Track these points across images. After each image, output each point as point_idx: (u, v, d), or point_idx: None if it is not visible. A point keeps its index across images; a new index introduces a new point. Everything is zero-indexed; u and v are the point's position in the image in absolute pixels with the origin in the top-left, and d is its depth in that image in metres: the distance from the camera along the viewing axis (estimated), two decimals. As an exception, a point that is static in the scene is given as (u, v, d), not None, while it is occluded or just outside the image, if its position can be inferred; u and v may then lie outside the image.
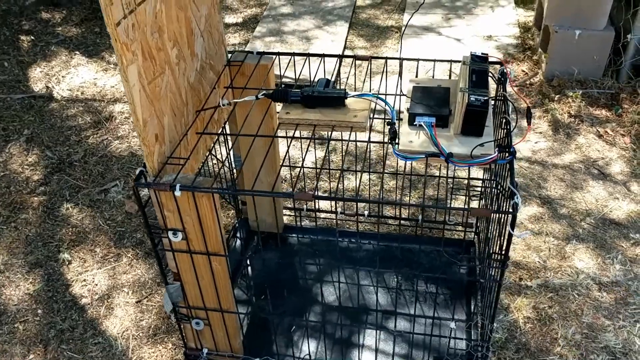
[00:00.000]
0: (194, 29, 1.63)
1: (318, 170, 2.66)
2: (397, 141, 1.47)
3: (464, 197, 2.40)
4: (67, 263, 2.34)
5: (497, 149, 1.42)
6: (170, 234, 1.53)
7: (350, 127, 1.57)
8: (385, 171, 2.69)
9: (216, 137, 1.77)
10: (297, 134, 1.64)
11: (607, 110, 3.01)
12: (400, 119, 1.56)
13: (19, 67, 3.58)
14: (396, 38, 3.76)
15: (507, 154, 1.43)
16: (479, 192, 2.10)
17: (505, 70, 1.71)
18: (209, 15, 1.73)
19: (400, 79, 1.73)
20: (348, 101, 1.61)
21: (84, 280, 2.27)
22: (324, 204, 2.55)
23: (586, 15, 3.05)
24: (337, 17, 3.97)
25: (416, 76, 1.84)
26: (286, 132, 1.65)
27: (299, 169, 2.65)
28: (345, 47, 3.66)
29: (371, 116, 1.62)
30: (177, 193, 1.41)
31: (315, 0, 4.20)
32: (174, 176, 1.44)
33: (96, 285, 2.25)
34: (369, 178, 2.60)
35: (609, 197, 2.54)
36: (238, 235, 2.32)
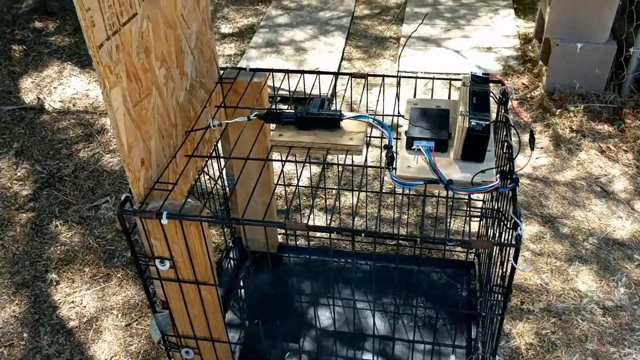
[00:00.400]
0: (183, 47, 1.56)
1: (313, 192, 2.59)
2: (394, 166, 1.41)
3: (464, 216, 2.33)
4: (54, 283, 2.26)
5: (498, 175, 1.36)
6: (157, 262, 1.46)
7: (345, 150, 1.51)
8: (384, 191, 2.63)
9: (209, 156, 1.70)
10: (291, 156, 1.58)
11: (609, 125, 2.95)
12: (397, 138, 1.50)
13: (10, 77, 3.52)
14: (394, 49, 3.70)
15: (509, 181, 1.37)
16: (480, 213, 2.04)
17: (506, 90, 1.65)
18: (199, 32, 1.67)
19: (398, 100, 1.66)
20: (344, 123, 1.54)
21: (72, 301, 2.20)
22: (319, 221, 2.48)
23: (588, 28, 2.99)
24: (335, 27, 3.91)
25: (414, 93, 1.78)
26: (280, 155, 1.59)
27: (294, 187, 2.59)
28: (342, 58, 3.60)
29: (368, 138, 1.56)
30: (164, 221, 1.34)
31: (312, 11, 4.14)
32: (161, 202, 1.38)
33: (84, 307, 2.18)
34: (366, 195, 2.53)
35: (612, 215, 2.47)
36: (231, 255, 2.25)
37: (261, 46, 3.73)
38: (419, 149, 1.43)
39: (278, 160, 1.56)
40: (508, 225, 1.31)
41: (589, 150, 2.82)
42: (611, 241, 2.36)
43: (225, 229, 2.36)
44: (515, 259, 1.26)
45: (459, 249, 2.22)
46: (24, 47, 3.82)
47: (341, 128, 1.54)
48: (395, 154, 1.43)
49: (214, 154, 1.82)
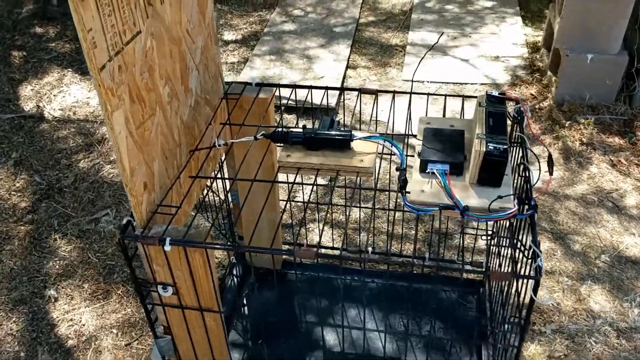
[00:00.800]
0: (188, 63, 1.51)
1: (319, 207, 2.53)
2: (407, 190, 1.35)
3: (474, 234, 2.27)
4: (53, 300, 2.21)
5: (516, 201, 1.30)
6: (159, 288, 1.41)
7: (356, 172, 1.45)
8: (391, 208, 2.57)
9: (212, 180, 1.64)
10: (299, 176, 1.52)
11: (620, 138, 2.89)
12: (410, 155, 1.44)
13: (10, 84, 3.46)
14: (401, 57, 3.64)
15: (527, 208, 1.31)
16: (492, 232, 1.98)
17: (522, 109, 1.59)
18: (205, 47, 1.61)
19: (410, 121, 1.60)
20: (354, 143, 1.48)
21: (71, 319, 2.14)
22: (325, 236, 2.42)
23: (599, 38, 2.94)
24: (340, 35, 3.85)
25: (426, 108, 1.71)
26: (287, 176, 1.53)
27: (300, 202, 2.53)
28: (348, 67, 3.55)
29: (378, 157, 1.50)
30: (167, 248, 1.28)
31: (317, 18, 4.09)
32: (163, 227, 1.32)
33: (83, 325, 2.12)
34: (373, 210, 2.47)
35: (624, 232, 2.41)
36: (235, 272, 2.19)
37: (265, 54, 3.68)
38: (433, 172, 1.37)
39: (285, 182, 1.50)
40: (526, 255, 1.25)
41: (599, 163, 2.77)
42: (624, 259, 2.30)
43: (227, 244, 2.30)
44: (535, 291, 1.20)
45: (469, 267, 2.16)
46: (24, 53, 3.76)
47: (351, 149, 1.48)
48: (407, 177, 1.37)
49: (219, 172, 1.76)
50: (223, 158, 1.77)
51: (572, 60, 2.98)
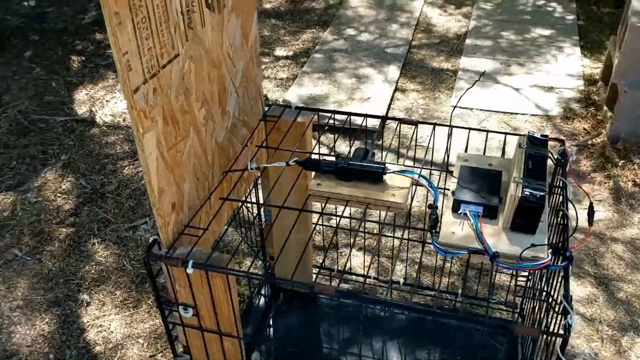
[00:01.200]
0: (227, 86, 1.51)
1: (352, 234, 2.50)
2: (437, 230, 1.31)
3: (510, 274, 2.19)
4: (85, 305, 2.25)
5: (550, 251, 1.24)
6: (180, 308, 1.41)
7: (387, 207, 1.42)
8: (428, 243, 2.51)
9: (243, 200, 1.64)
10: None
11: (676, 182, 2.75)
12: (444, 190, 1.39)
13: (66, 88, 3.58)
14: (451, 82, 3.59)
15: (561, 259, 1.25)
16: (528, 274, 1.91)
17: (566, 151, 1.52)
18: (246, 70, 1.62)
19: (449, 155, 1.56)
20: (387, 176, 1.45)
21: (100, 325, 2.17)
22: (356, 262, 2.39)
23: (660, 76, 2.81)
24: (391, 56, 3.83)
25: (466, 147, 1.67)
26: (321, 205, 1.51)
27: (333, 227, 2.50)
28: (396, 89, 3.51)
29: (412, 194, 1.46)
30: (190, 270, 1.28)
31: (369, 38, 4.07)
32: (188, 249, 1.32)
33: (112, 332, 2.15)
34: (409, 238, 2.42)
35: (674, 282, 2.29)
36: (263, 292, 2.18)
37: (314, 71, 3.68)
38: (465, 213, 1.33)
39: (311, 211, 1.48)
40: (556, 310, 1.19)
41: (652, 207, 2.64)
42: (672, 312, 2.17)
43: (258, 263, 2.30)
44: (562, 350, 1.14)
45: (502, 306, 2.09)
46: (83, 58, 3.89)
47: (384, 182, 1.45)
48: (439, 216, 1.33)
49: (251, 193, 1.76)
50: (257, 179, 1.76)
51: (630, 97, 2.86)
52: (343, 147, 2.97)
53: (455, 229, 1.31)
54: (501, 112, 3.28)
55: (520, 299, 2.06)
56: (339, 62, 3.78)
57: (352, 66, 3.74)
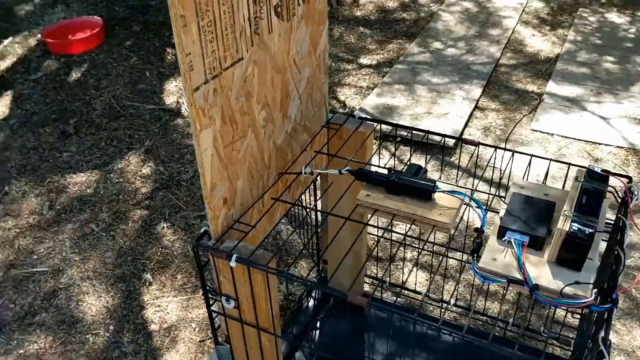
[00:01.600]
0: (290, 92, 1.56)
1: (404, 248, 2.49)
2: (479, 254, 1.30)
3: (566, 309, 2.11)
4: (147, 284, 2.38)
5: (595, 290, 1.20)
6: (223, 299, 1.47)
7: (432, 226, 1.42)
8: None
9: (293, 203, 1.69)
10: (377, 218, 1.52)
11: None
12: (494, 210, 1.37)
13: (158, 78, 3.79)
14: (534, 105, 3.48)
15: (606, 301, 1.20)
16: (582, 311, 1.83)
17: (631, 189, 1.45)
18: (311, 77, 1.66)
19: (505, 190, 1.53)
20: (437, 195, 1.45)
21: (159, 305, 2.30)
22: (412, 277, 2.38)
23: None
24: (475, 73, 3.76)
25: (525, 174, 1.63)
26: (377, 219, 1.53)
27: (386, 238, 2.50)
28: (476, 107, 3.45)
29: (460, 215, 1.45)
30: (232, 264, 1.34)
31: (455, 53, 4.02)
32: (235, 243, 1.38)
33: (168, 313, 2.26)
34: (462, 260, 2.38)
35: None
36: (313, 294, 2.22)
37: (395, 82, 3.69)
38: (510, 241, 1.30)
39: (358, 222, 1.50)
40: (593, 354, 1.15)
41: None
42: None
43: (312, 265, 2.34)
44: (594, 394, 1.10)
45: (555, 341, 2.01)
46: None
47: (433, 200, 1.45)
48: (483, 241, 1.32)
49: (312, 196, 1.80)
50: (313, 183, 1.80)
51: None
52: (413, 160, 2.96)
53: (497, 255, 1.29)
54: (584, 140, 3.15)
55: (576, 336, 1.97)
56: (421, 75, 3.76)
57: (434, 80, 3.71)
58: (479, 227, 1.37)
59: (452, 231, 1.42)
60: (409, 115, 3.32)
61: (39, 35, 4.27)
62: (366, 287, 2.26)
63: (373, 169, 1.65)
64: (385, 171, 1.51)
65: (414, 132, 1.73)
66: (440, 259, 2.39)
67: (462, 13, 4.58)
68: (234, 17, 1.24)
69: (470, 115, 3.36)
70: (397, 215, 1.45)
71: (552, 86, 3.62)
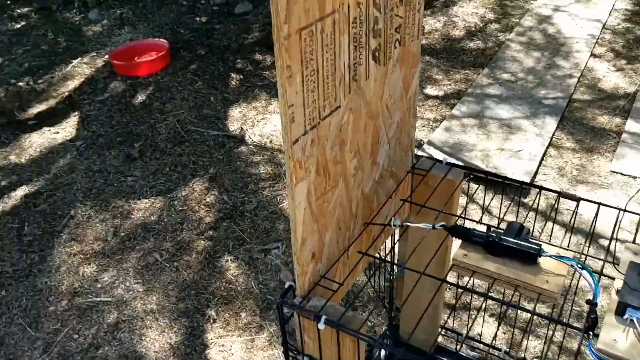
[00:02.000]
0: (381, 137, 1.48)
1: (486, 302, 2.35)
2: (596, 332, 1.17)
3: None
4: (211, 321, 2.32)
5: None
6: (306, 358, 1.38)
7: (537, 294, 1.29)
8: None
9: (382, 258, 1.59)
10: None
11: None
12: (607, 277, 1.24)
13: (222, 103, 3.78)
14: (613, 145, 3.29)
15: None
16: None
17: None
18: (401, 121, 1.57)
19: (616, 241, 1.40)
20: (542, 260, 1.33)
21: (222, 345, 2.22)
22: (486, 328, 2.24)
23: None
24: (548, 107, 3.60)
25: (635, 236, 1.48)
26: (458, 278, 1.42)
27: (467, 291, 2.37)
28: (550, 144, 3.29)
29: (569, 284, 1.32)
30: (321, 326, 1.25)
31: (526, 85, 3.88)
32: (322, 302, 1.29)
33: (232, 354, 2.19)
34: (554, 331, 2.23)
35: None
36: (385, 341, 2.11)
37: (464, 115, 3.56)
38: (632, 320, 1.17)
39: (453, 285, 1.38)
40: None
41: None
42: None
43: (382, 311, 2.23)
44: None
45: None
46: (241, 76, 4.09)
47: (537, 264, 1.33)
48: (598, 316, 1.19)
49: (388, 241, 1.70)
50: (397, 234, 1.70)
51: None
52: (493, 203, 2.83)
53: (618, 336, 1.16)
54: (671, 185, 2.95)
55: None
56: (491, 108, 3.63)
57: (504, 114, 3.57)
58: (591, 299, 1.24)
59: (560, 302, 1.29)
60: (479, 151, 3.19)
61: (106, 57, 4.33)
62: (440, 338, 2.13)
63: (466, 222, 1.54)
64: (480, 227, 1.40)
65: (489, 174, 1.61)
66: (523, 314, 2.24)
67: (530, 43, 4.43)
68: (335, 65, 1.17)
69: (545, 153, 3.20)
70: (498, 279, 1.33)
71: (631, 125, 3.42)
